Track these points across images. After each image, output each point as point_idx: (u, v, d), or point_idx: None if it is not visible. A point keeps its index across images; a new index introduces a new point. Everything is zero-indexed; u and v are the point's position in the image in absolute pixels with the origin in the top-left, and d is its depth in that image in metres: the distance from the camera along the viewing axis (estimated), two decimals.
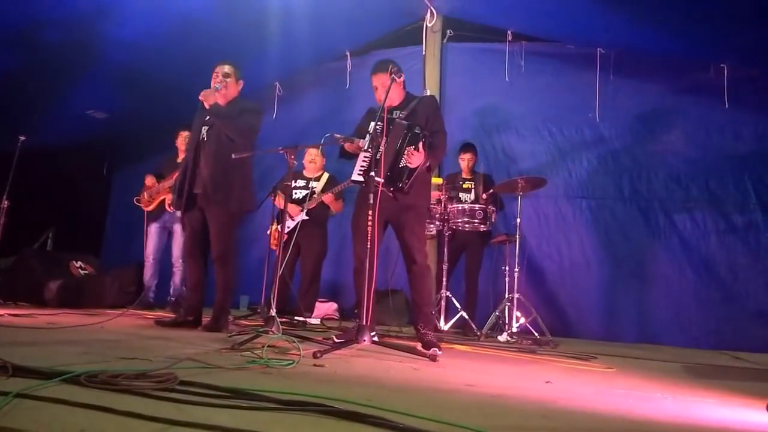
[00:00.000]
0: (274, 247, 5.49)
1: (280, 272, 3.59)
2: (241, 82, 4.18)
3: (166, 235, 6.02)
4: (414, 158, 3.39)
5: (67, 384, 1.64)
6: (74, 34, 5.33)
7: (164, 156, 6.28)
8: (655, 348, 5.13)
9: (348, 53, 7.19)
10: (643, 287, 5.79)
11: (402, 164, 3.40)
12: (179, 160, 5.80)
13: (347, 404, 1.57)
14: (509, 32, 6.55)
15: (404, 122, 3.44)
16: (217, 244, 3.99)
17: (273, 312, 3.31)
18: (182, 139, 5.88)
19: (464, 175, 5.74)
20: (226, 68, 4.09)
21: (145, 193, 5.97)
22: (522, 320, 4.85)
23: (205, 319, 4.07)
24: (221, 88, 3.97)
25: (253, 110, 4.10)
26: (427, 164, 3.57)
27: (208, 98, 3.86)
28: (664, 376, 3.14)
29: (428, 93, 6.49)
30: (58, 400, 1.42)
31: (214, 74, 4.07)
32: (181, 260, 5.66)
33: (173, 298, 5.76)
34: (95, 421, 1.29)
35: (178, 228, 5.65)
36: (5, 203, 5.30)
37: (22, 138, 5.43)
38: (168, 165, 5.97)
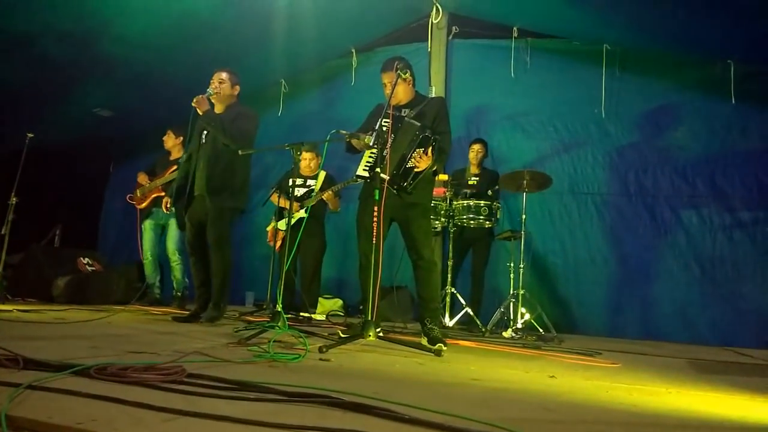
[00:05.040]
0: (270, 243, 5.61)
1: (285, 268, 3.62)
2: (238, 88, 4.34)
3: (160, 230, 6.04)
4: (422, 162, 3.40)
5: (77, 376, 1.67)
6: (81, 34, 5.37)
7: (158, 154, 6.30)
8: (659, 344, 5.12)
9: (353, 50, 7.20)
10: (648, 283, 5.79)
11: (409, 165, 3.41)
12: (172, 158, 5.89)
13: (353, 397, 1.59)
14: (515, 29, 6.56)
15: (417, 123, 3.42)
16: (212, 230, 4.17)
17: (279, 308, 3.33)
18: (169, 138, 5.93)
19: (472, 171, 5.74)
20: (223, 75, 4.26)
21: (138, 191, 6.00)
22: (527, 316, 4.86)
23: None
24: (214, 93, 4.14)
25: (247, 116, 4.25)
26: (434, 168, 3.57)
27: (200, 105, 4.04)
28: (668, 371, 3.15)
29: (433, 90, 6.51)
30: (68, 391, 1.45)
31: (211, 81, 4.24)
32: (177, 253, 5.73)
33: (179, 293, 5.79)
34: (105, 411, 1.31)
35: (171, 222, 5.72)
36: (14, 200, 5.33)
37: (30, 135, 5.46)
38: (161, 163, 6.00)
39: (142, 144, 7.67)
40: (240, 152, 3.82)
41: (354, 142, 3.60)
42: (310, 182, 5.67)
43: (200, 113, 4.07)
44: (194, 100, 4.03)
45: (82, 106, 6.79)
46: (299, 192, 5.61)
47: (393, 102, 3.55)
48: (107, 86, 6.45)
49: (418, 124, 3.41)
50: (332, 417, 1.44)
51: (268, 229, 5.72)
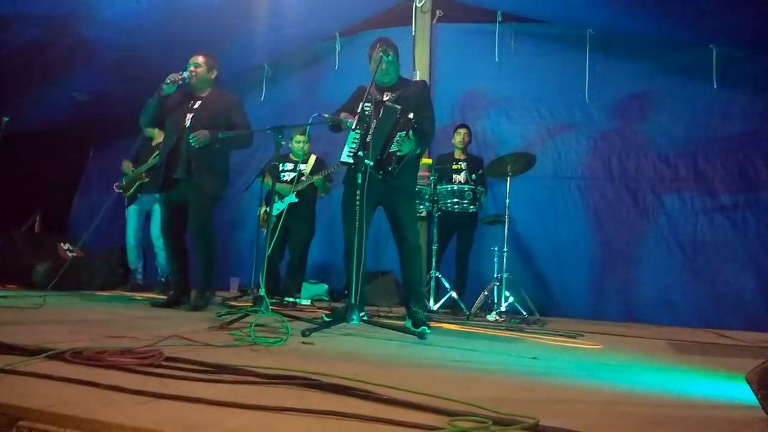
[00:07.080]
0: (263, 229, 5.53)
1: (268, 253, 3.60)
2: (215, 72, 4.27)
3: (144, 216, 6.01)
4: (404, 145, 3.38)
5: (52, 360, 1.64)
6: (59, 15, 5.25)
7: (139, 140, 6.20)
8: (641, 326, 5.17)
9: (337, 34, 7.13)
10: (630, 266, 5.82)
11: (392, 150, 3.38)
12: (154, 144, 5.81)
13: (333, 379, 1.58)
14: (499, 12, 6.52)
15: (397, 107, 3.39)
16: (194, 218, 4.10)
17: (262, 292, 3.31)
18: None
19: (456, 156, 5.74)
20: (199, 59, 4.22)
21: (124, 179, 5.94)
22: (510, 299, 4.88)
23: None
24: (189, 79, 4.12)
25: (232, 107, 4.21)
26: (417, 151, 3.56)
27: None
28: (649, 352, 3.18)
29: (418, 74, 6.47)
30: (41, 374, 1.42)
31: (189, 64, 4.20)
32: (161, 238, 5.69)
33: (162, 279, 5.75)
34: (78, 395, 1.29)
35: (156, 208, 5.68)
36: None
37: (6, 119, 5.35)
38: (144, 149, 5.93)
39: (122, 128, 7.53)
40: (220, 135, 3.75)
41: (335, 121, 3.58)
42: (300, 166, 5.61)
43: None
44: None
45: (60, 89, 6.65)
46: (289, 176, 5.57)
47: (380, 77, 3.58)
48: (85, 70, 6.33)
49: (399, 107, 3.39)
50: (311, 398, 1.42)
51: (260, 214, 5.64)
